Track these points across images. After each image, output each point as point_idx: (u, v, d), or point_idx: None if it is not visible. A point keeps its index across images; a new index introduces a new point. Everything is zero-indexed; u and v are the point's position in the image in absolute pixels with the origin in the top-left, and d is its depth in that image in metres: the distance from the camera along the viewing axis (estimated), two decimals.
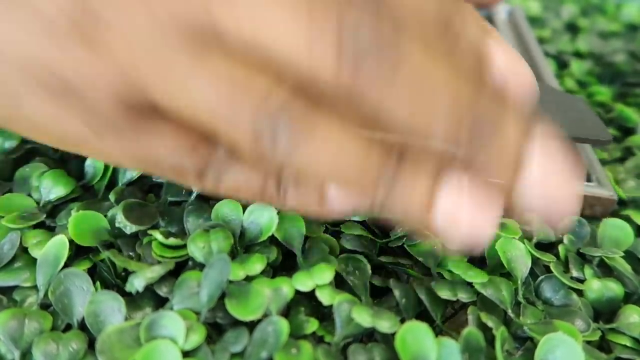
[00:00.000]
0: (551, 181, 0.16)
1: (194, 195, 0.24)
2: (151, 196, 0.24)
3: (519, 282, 0.22)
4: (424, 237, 0.21)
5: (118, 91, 0.16)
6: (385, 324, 0.18)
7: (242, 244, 0.22)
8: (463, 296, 0.21)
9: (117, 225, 0.22)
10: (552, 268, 0.23)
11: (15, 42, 0.16)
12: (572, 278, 0.23)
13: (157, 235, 0.21)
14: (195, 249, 0.20)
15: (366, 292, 0.21)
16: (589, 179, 0.27)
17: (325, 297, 0.20)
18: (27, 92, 0.17)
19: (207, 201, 0.24)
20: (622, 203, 0.28)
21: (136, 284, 0.19)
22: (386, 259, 0.23)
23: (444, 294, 0.21)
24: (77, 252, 0.22)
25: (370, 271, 0.22)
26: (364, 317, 0.19)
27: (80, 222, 0.22)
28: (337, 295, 0.20)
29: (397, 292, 0.21)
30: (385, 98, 0.14)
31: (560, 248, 0.24)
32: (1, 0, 0.15)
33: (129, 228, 0.22)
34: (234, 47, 0.15)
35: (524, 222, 0.22)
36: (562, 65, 0.44)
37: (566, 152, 0.16)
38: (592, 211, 0.26)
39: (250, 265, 0.20)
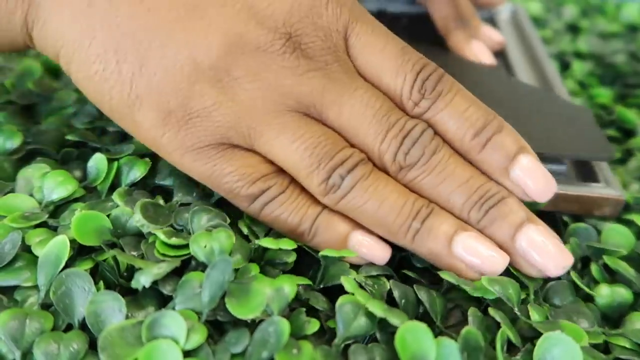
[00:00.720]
0: (540, 248, 0.22)
1: (214, 198, 0.25)
2: (158, 197, 0.24)
3: (531, 289, 0.22)
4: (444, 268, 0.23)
5: (228, 127, 0.22)
6: (395, 320, 0.19)
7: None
8: (465, 287, 0.21)
9: (134, 224, 0.22)
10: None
11: (159, 74, 0.22)
12: (583, 283, 0.23)
13: (160, 234, 0.21)
14: (198, 249, 0.20)
15: (382, 300, 0.21)
16: (596, 180, 0.27)
17: (347, 284, 0.20)
18: (147, 109, 0.22)
19: (210, 202, 0.24)
20: (625, 206, 0.28)
21: (142, 280, 0.19)
22: (409, 272, 0.23)
23: (447, 276, 0.21)
24: (79, 252, 0.22)
25: (388, 286, 0.22)
26: (377, 310, 0.19)
27: (83, 222, 0.22)
28: (358, 289, 0.20)
29: (396, 293, 0.21)
30: (422, 183, 0.22)
31: (568, 248, 0.24)
32: (161, 38, 0.22)
33: (147, 227, 0.22)
34: (330, 124, 0.23)
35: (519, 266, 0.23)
36: (563, 66, 0.44)
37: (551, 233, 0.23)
38: (601, 212, 0.26)
39: (283, 242, 0.22)
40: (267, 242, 0.21)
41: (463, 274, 0.22)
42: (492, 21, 0.43)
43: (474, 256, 0.22)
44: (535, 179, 0.23)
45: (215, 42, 0.22)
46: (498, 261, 0.22)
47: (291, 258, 0.22)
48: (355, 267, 0.23)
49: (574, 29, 0.50)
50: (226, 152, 0.22)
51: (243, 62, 0.22)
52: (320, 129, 0.22)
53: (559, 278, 0.23)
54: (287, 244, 0.22)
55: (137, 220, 0.22)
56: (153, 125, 0.22)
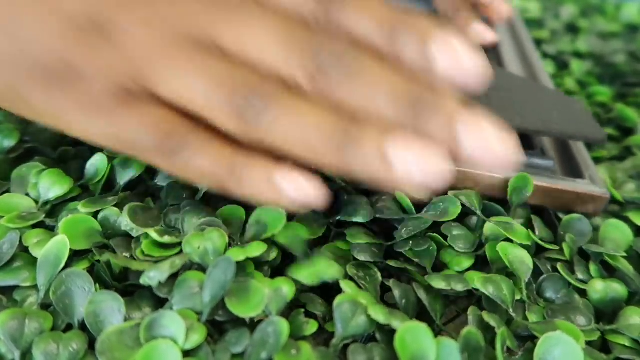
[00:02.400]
0: (484, 131, 0.19)
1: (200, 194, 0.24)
2: (149, 200, 0.24)
3: (523, 282, 0.22)
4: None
5: (123, 78, 0.20)
6: (397, 324, 0.19)
7: (243, 242, 0.22)
8: (458, 286, 0.21)
9: (123, 228, 0.22)
10: (559, 268, 0.23)
11: (29, 33, 0.20)
12: (577, 279, 0.23)
13: (152, 233, 0.21)
14: (191, 250, 0.20)
15: (377, 295, 0.21)
16: (582, 177, 0.27)
17: (346, 287, 0.20)
18: (28, 77, 0.20)
19: (204, 202, 0.24)
20: (621, 204, 0.28)
21: (152, 276, 0.19)
22: (394, 263, 0.23)
23: (438, 284, 0.21)
24: (76, 252, 0.22)
25: (380, 278, 0.22)
26: (379, 316, 0.19)
27: (72, 225, 0.22)
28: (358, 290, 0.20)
29: (397, 293, 0.21)
30: (341, 90, 0.19)
31: (565, 247, 0.24)
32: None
33: (136, 231, 0.22)
34: (229, 54, 0.20)
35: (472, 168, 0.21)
36: (562, 65, 0.44)
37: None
38: (585, 208, 0.26)
39: (250, 249, 0.21)
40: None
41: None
42: (487, 23, 0.44)
43: (408, 154, 0.18)
44: (457, 53, 0.19)
45: None
46: (433, 152, 0.18)
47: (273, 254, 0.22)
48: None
49: (573, 29, 0.50)
50: (125, 104, 0.20)
51: (125, 7, 0.20)
52: (221, 60, 0.20)
53: (543, 272, 0.23)
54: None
55: (125, 224, 0.22)
56: (42, 94, 0.20)
